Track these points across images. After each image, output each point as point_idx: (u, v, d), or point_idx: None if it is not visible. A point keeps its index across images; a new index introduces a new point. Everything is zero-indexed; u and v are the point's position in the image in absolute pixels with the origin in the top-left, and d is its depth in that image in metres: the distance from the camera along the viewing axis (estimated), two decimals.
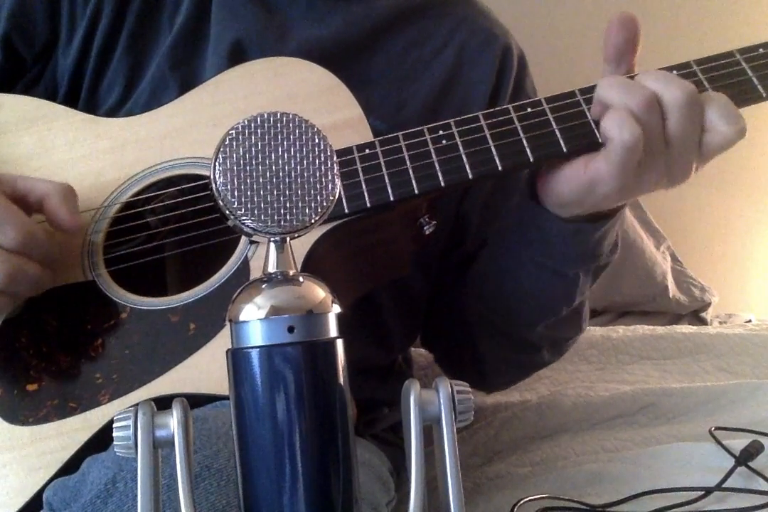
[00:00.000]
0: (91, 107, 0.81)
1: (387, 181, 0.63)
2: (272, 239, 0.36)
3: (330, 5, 0.81)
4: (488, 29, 0.87)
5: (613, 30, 0.63)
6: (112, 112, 0.79)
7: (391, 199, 0.63)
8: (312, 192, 0.36)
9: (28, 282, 0.62)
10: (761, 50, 0.65)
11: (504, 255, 0.76)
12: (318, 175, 0.36)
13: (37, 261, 0.62)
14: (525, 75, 0.88)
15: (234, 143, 0.35)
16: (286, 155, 0.36)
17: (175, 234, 0.71)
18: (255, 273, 0.63)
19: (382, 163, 0.63)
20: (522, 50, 0.89)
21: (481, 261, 0.81)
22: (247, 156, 0.35)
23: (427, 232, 0.68)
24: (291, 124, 0.36)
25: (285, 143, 0.36)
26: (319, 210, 0.36)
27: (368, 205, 0.63)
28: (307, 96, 0.70)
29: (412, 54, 0.83)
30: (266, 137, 0.35)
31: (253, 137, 0.35)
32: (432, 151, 0.63)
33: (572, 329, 0.83)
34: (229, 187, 0.35)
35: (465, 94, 0.83)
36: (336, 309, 0.36)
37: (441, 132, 0.64)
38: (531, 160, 0.62)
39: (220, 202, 0.35)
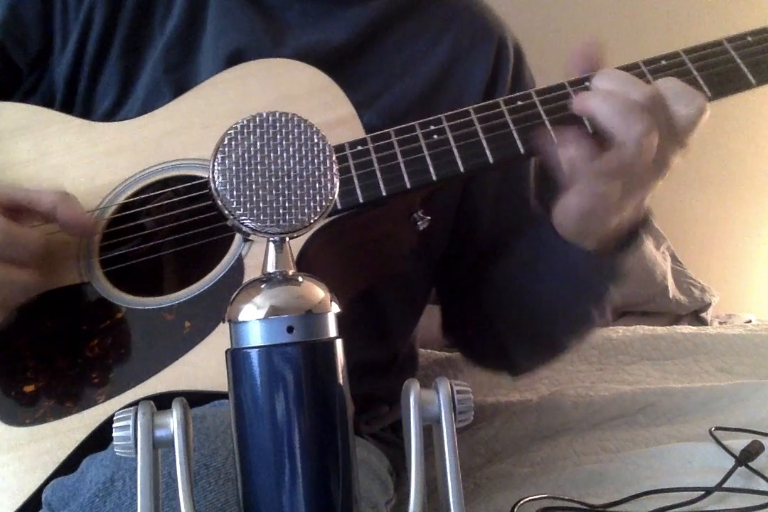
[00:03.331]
0: (87, 112, 0.81)
1: (379, 176, 0.63)
2: (271, 239, 0.36)
3: (323, 10, 0.81)
4: (483, 21, 0.87)
5: (576, 62, 0.64)
6: (108, 117, 0.79)
7: (384, 194, 0.63)
8: (311, 191, 0.36)
9: (14, 290, 0.62)
10: (749, 38, 0.65)
11: (534, 281, 0.77)
12: (317, 174, 0.36)
13: (22, 265, 0.62)
14: (522, 67, 0.88)
15: (233, 143, 0.35)
16: (284, 155, 0.36)
17: (169, 234, 0.71)
18: (249, 270, 0.64)
19: (374, 159, 0.64)
20: (518, 41, 0.89)
21: (507, 281, 0.81)
22: (246, 156, 0.35)
23: (420, 228, 0.68)
24: (290, 124, 0.36)
25: (284, 143, 0.36)
26: (318, 209, 0.36)
27: (361, 200, 0.63)
28: (300, 96, 0.71)
29: (406, 48, 0.83)
30: (265, 137, 0.35)
31: (251, 137, 0.35)
32: (423, 145, 0.64)
33: (599, 323, 0.84)
34: (228, 186, 0.35)
35: (460, 88, 0.83)
36: (335, 309, 0.36)
37: (432, 127, 0.64)
38: (522, 151, 0.63)
39: (219, 201, 0.35)
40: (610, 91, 0.59)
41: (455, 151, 0.63)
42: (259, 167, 0.35)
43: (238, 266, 0.64)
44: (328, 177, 0.36)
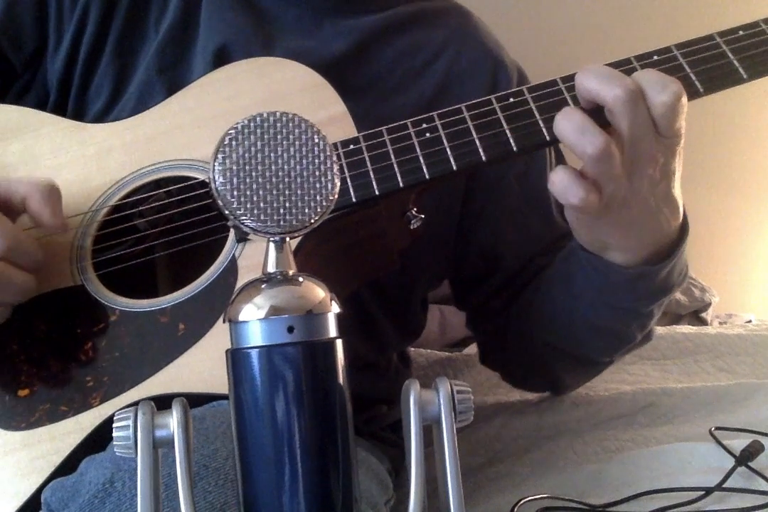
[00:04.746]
0: (80, 113, 0.81)
1: (372, 176, 0.63)
2: (271, 239, 0.36)
3: (318, 19, 0.81)
4: (481, 43, 0.85)
5: None
6: (101, 117, 0.79)
7: (377, 193, 0.63)
8: (311, 191, 0.36)
9: (13, 290, 0.62)
10: (741, 32, 0.65)
11: (570, 298, 0.76)
12: (317, 174, 0.36)
13: (24, 268, 0.62)
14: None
15: (233, 143, 0.35)
16: (285, 155, 0.36)
17: (162, 236, 0.71)
18: (243, 271, 0.64)
19: (367, 159, 0.64)
20: (519, 65, 0.87)
21: (544, 299, 0.81)
22: (247, 155, 0.35)
23: (413, 227, 0.68)
24: (290, 124, 0.36)
25: (284, 143, 0.36)
26: (319, 209, 0.36)
27: (354, 200, 0.63)
28: (291, 94, 0.70)
29: (401, 65, 0.82)
30: (265, 137, 0.35)
31: (252, 137, 0.35)
32: (416, 144, 0.64)
33: (642, 343, 0.84)
34: (228, 186, 0.35)
35: None
36: (335, 309, 0.36)
37: (424, 125, 0.64)
38: (515, 149, 0.63)
39: (220, 201, 0.35)
40: (569, 111, 0.59)
41: (448, 149, 0.63)
42: (259, 167, 0.35)
43: (232, 267, 0.64)
44: (329, 177, 0.36)
